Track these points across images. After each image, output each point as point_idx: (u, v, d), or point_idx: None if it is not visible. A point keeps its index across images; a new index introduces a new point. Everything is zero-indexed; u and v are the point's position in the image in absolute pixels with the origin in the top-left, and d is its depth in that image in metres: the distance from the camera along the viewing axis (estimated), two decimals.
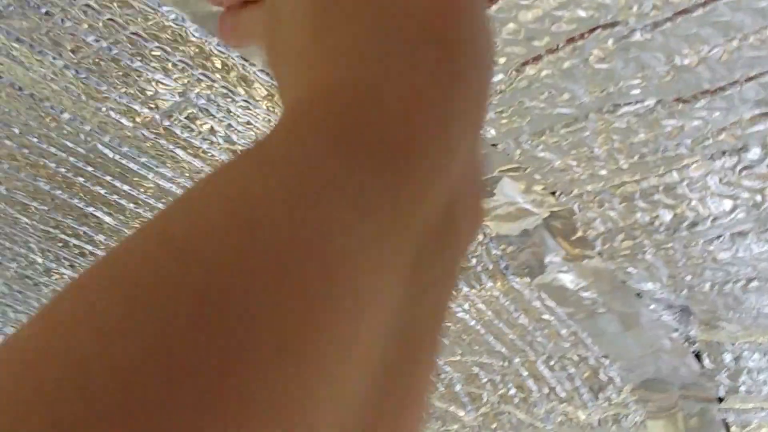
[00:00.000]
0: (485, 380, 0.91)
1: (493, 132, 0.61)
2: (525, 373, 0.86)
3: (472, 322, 0.84)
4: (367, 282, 0.16)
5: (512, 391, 0.90)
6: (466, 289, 0.80)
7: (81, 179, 0.82)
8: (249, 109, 0.68)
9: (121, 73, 0.66)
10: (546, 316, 0.77)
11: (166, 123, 0.71)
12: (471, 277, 0.78)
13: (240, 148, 0.73)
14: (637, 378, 0.76)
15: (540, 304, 0.76)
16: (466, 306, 0.82)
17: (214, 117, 0.70)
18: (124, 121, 0.72)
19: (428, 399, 0.21)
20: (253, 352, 0.13)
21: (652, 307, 0.70)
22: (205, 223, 0.15)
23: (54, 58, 0.67)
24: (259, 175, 0.17)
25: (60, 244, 0.93)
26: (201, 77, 0.65)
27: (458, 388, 0.94)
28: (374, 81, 0.20)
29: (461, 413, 0.97)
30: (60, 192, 0.85)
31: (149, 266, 0.14)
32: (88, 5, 0.61)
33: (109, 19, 0.62)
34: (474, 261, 0.77)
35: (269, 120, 0.68)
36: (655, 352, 0.73)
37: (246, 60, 0.62)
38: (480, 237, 0.74)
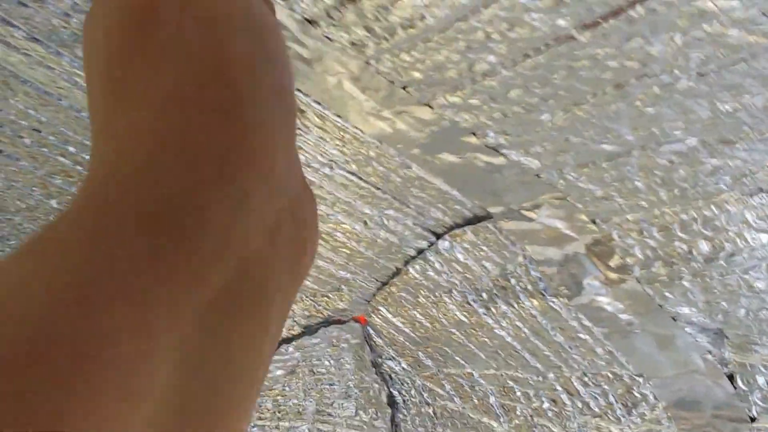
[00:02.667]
0: (519, 393, 0.95)
1: (537, 163, 0.65)
2: (559, 388, 0.90)
3: (509, 339, 0.88)
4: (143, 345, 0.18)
5: (546, 405, 0.94)
6: (504, 307, 0.84)
7: None
8: (300, 136, 0.72)
9: None
10: (582, 335, 0.81)
11: None
12: (509, 296, 0.83)
13: None
14: (671, 396, 0.80)
15: (577, 323, 0.80)
16: (504, 323, 0.86)
17: None
18: None
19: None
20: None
21: (687, 329, 0.74)
22: None
23: None
24: (45, 268, 0.18)
25: None
26: None
27: (492, 400, 0.99)
28: (155, 153, 0.21)
29: (494, 424, 1.01)
30: None
31: None
32: None
33: None
34: (513, 281, 0.81)
35: (319, 146, 0.73)
36: (689, 373, 0.77)
37: (299, 90, 0.67)
38: (520, 259, 0.78)
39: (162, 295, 0.19)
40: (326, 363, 1.10)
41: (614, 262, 0.72)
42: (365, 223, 0.82)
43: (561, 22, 0.50)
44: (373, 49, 0.58)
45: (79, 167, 0.84)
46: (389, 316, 0.97)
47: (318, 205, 0.80)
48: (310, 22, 0.57)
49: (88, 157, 0.83)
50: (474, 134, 0.64)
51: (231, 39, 0.24)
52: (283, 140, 0.25)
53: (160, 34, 0.24)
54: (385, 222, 0.81)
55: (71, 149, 0.82)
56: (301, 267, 0.27)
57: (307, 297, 0.99)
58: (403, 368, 1.04)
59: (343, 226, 0.83)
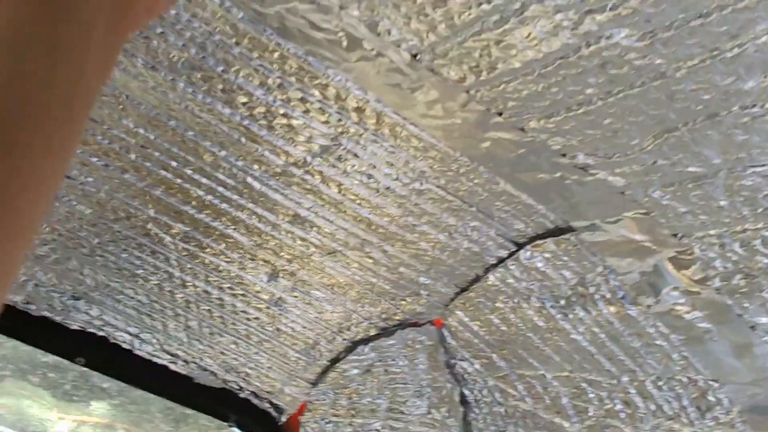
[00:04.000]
0: (592, 395, 1.00)
1: (623, 181, 0.70)
2: (633, 391, 0.95)
3: (584, 343, 0.93)
4: None
5: (619, 407, 0.98)
6: (581, 313, 0.89)
7: (226, 205, 0.94)
8: (393, 153, 0.78)
9: (284, 122, 0.77)
10: (659, 342, 0.86)
11: (315, 162, 0.82)
12: (587, 303, 0.87)
13: (378, 185, 0.83)
14: (747, 401, 0.84)
15: (654, 330, 0.85)
16: (581, 328, 0.91)
17: (360, 158, 0.80)
18: (276, 159, 0.84)
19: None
20: None
21: (765, 338, 0.78)
22: None
23: (223, 107, 0.78)
24: None
25: (197, 260, 1.06)
26: (354, 126, 0.76)
27: (564, 401, 1.04)
28: None
29: (566, 424, 1.06)
30: (204, 216, 0.97)
31: None
32: (261, 64, 0.72)
33: (279, 77, 0.73)
34: (592, 289, 0.86)
35: (409, 162, 0.79)
36: (766, 379, 0.81)
37: (398, 113, 0.72)
38: (600, 269, 0.83)
39: None
40: (400, 363, 1.16)
41: (694, 273, 0.76)
42: (450, 233, 0.88)
43: (658, 60, 0.54)
44: (474, 80, 0.63)
45: (179, 179, 0.91)
46: (466, 319, 1.02)
47: (405, 216, 0.86)
48: (414, 56, 0.63)
49: (189, 171, 0.90)
50: (564, 155, 0.69)
51: None
52: None
53: None
54: (469, 233, 0.87)
55: (173, 164, 0.89)
56: (123, 25, 0.32)
57: (385, 300, 1.05)
58: (476, 369, 1.09)
59: (428, 236, 0.89)
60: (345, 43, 0.64)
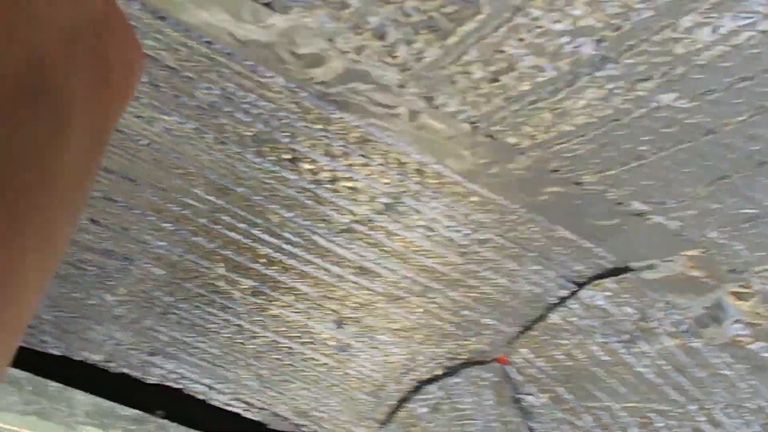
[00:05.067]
0: (661, 424, 1.02)
1: (679, 224, 0.73)
2: (702, 419, 0.97)
3: (650, 375, 0.96)
4: None
5: None
6: (645, 346, 0.92)
7: (292, 261, 0.99)
8: (453, 208, 0.83)
9: (348, 184, 0.83)
10: (724, 371, 0.88)
11: (379, 219, 0.87)
12: (650, 337, 0.90)
13: (440, 237, 0.88)
14: None
15: (719, 360, 0.87)
16: (646, 362, 0.94)
17: (422, 213, 0.85)
18: (340, 218, 0.89)
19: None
20: None
21: None
22: None
23: (289, 174, 0.84)
24: None
25: (266, 312, 1.11)
26: (415, 185, 0.80)
27: (634, 431, 1.06)
28: None
29: None
30: (272, 271, 1.02)
31: None
32: (325, 135, 0.77)
33: (342, 146, 0.78)
34: (654, 324, 0.89)
35: (469, 215, 0.83)
36: None
37: (456, 173, 0.77)
38: (660, 304, 0.86)
39: None
40: (467, 400, 1.20)
41: (755, 306, 0.79)
42: (511, 277, 0.92)
43: (707, 118, 0.58)
44: (530, 143, 0.67)
45: (247, 239, 0.97)
46: (531, 356, 1.06)
47: (467, 263, 0.91)
48: (472, 124, 0.68)
49: (256, 232, 0.96)
50: (620, 204, 0.72)
51: None
52: None
53: None
54: (530, 276, 0.91)
55: (242, 225, 0.95)
56: (105, 93, 0.29)
57: (450, 341, 1.09)
58: (543, 403, 1.13)
59: (490, 280, 0.93)
60: (405, 116, 0.69)
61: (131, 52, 0.32)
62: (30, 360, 1.26)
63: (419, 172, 0.78)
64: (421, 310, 1.03)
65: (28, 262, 0.24)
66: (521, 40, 0.56)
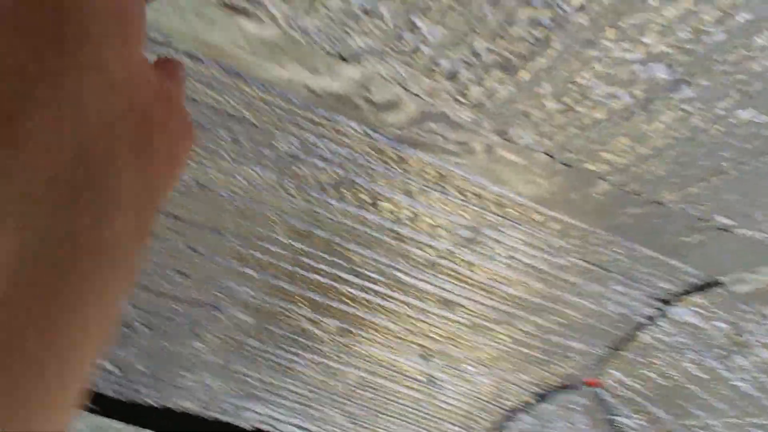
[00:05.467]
0: None
1: (764, 235, 0.72)
2: None
3: (749, 389, 0.94)
4: None
5: None
6: (741, 360, 0.90)
7: (376, 298, 1.01)
8: (533, 235, 0.83)
9: (428, 221, 0.84)
10: None
11: (459, 252, 0.89)
12: (745, 350, 0.89)
13: (521, 265, 0.88)
14: None
15: None
16: (743, 375, 0.92)
17: (503, 243, 0.86)
18: (422, 254, 0.90)
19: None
20: None
21: None
22: None
23: (370, 214, 0.86)
24: None
25: (352, 350, 1.13)
26: (494, 216, 0.82)
27: None
28: None
29: None
30: (355, 309, 1.05)
31: None
32: (403, 175, 0.79)
33: (420, 184, 0.80)
34: (747, 336, 0.87)
35: (547, 240, 0.84)
36: None
37: (535, 202, 0.78)
38: (754, 316, 0.85)
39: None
40: (560, 425, 1.19)
41: None
42: (596, 299, 0.92)
43: None
44: (607, 168, 0.68)
45: (330, 280, 1.00)
46: (622, 377, 1.05)
47: (550, 289, 0.91)
48: (547, 154, 0.69)
49: (338, 272, 0.98)
50: (703, 219, 0.72)
51: None
52: (118, 49, 0.28)
53: None
54: (615, 297, 0.91)
55: (323, 267, 0.98)
56: (150, 170, 0.29)
57: (538, 367, 1.09)
58: (639, 424, 1.11)
59: (575, 304, 0.93)
60: (480, 151, 0.71)
61: (179, 126, 0.32)
62: (125, 411, 1.30)
63: (498, 203, 0.79)
64: (506, 338, 1.04)
65: (86, 333, 0.25)
66: (593, 70, 0.58)
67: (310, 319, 1.09)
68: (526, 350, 1.05)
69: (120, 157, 0.26)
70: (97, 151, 0.25)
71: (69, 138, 0.24)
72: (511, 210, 0.80)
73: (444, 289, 0.96)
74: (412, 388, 1.19)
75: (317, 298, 1.04)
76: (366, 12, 0.60)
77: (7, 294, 0.22)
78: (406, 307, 1.02)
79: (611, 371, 1.05)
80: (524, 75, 0.60)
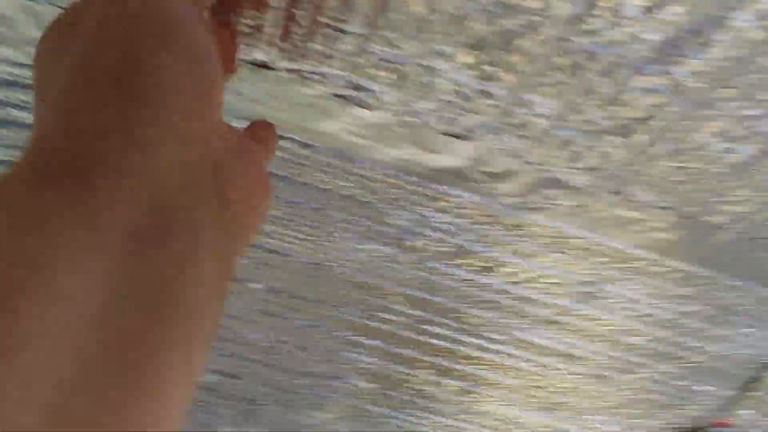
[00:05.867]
0: None
1: None
2: None
3: None
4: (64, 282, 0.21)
5: None
6: None
7: (497, 357, 1.03)
8: (655, 287, 0.84)
9: (545, 281, 0.86)
10: None
11: (577, 308, 0.90)
12: None
13: (642, 314, 0.89)
14: None
15: None
16: None
17: (623, 296, 0.87)
18: (540, 311, 0.92)
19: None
20: None
21: None
22: None
23: (489, 277, 0.88)
24: None
25: (472, 410, 1.15)
26: (606, 270, 0.83)
27: None
28: (71, 128, 0.25)
29: None
30: (474, 368, 1.06)
31: None
32: (518, 238, 0.82)
33: (536, 246, 0.82)
34: None
35: (670, 290, 0.84)
36: None
37: (660, 255, 0.79)
38: None
39: (79, 232, 0.22)
40: None
41: None
42: (721, 343, 0.91)
43: None
44: (728, 219, 0.69)
45: (450, 343, 1.02)
46: (755, 417, 1.03)
47: (674, 336, 0.91)
48: (653, 204, 0.70)
49: (457, 335, 1.00)
50: None
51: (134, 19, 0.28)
52: (194, 102, 0.29)
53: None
54: (741, 339, 0.90)
55: (441, 331, 1.00)
56: (230, 226, 0.29)
57: (667, 412, 1.08)
58: None
59: (700, 349, 0.93)
60: (595, 210, 0.72)
61: (255, 179, 0.33)
62: None
63: (616, 258, 0.81)
64: (631, 386, 1.03)
65: (173, 382, 0.25)
66: (709, 128, 0.59)
67: (432, 382, 1.11)
68: (652, 397, 1.04)
69: (196, 208, 0.27)
70: (173, 201, 0.26)
71: (143, 188, 0.24)
72: (630, 263, 0.81)
73: (565, 343, 0.97)
74: None
75: (438, 362, 1.07)
76: (478, 93, 0.63)
77: (93, 344, 0.22)
78: (525, 363, 1.03)
79: (741, 412, 1.04)
80: (639, 138, 0.62)
